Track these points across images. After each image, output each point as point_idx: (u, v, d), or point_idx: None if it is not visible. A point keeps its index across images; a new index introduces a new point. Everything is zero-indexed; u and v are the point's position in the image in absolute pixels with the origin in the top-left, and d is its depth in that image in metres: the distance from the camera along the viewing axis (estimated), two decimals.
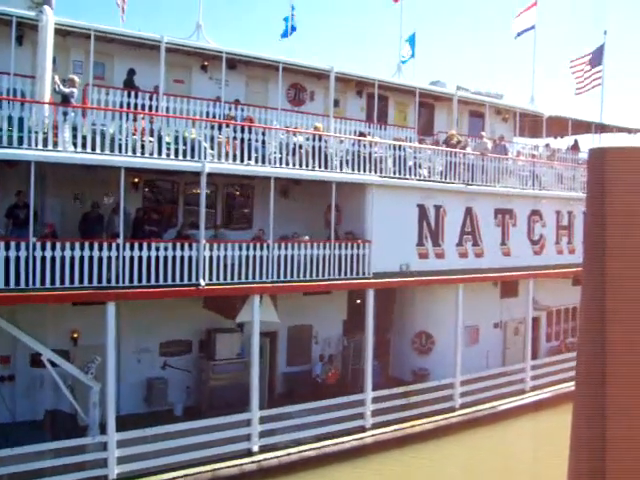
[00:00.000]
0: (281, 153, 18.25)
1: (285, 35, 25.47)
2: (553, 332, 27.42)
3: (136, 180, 18.88)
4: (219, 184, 20.25)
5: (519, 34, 28.43)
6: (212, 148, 17.11)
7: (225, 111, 19.44)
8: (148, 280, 16.02)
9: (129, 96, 17.60)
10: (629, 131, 31.89)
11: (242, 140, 17.38)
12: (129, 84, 18.70)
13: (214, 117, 18.72)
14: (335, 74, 21.60)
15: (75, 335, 18.19)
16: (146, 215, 17.83)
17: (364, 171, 19.65)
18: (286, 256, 17.95)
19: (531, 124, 29.06)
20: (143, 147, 16.05)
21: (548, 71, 77.25)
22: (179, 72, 20.60)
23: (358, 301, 23.87)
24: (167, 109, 18.14)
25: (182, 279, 16.45)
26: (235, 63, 21.14)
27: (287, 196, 21.33)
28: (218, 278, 16.98)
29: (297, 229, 20.25)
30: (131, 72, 18.88)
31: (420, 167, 20.70)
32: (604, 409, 3.99)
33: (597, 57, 31.36)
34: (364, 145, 19.58)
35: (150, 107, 17.85)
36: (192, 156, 16.83)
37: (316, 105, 22.65)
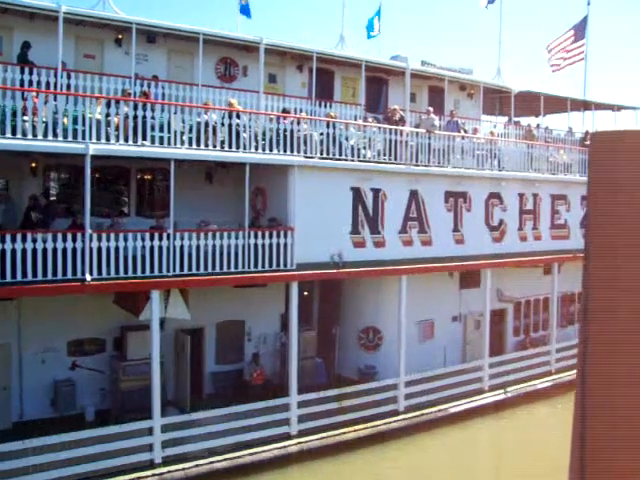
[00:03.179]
0: (186, 133, 16.41)
1: (247, 13, 23.57)
2: (522, 325, 25.38)
3: (33, 165, 17.21)
4: (132, 168, 18.52)
5: (490, 2, 26.28)
6: (106, 127, 15.31)
7: (143, 88, 17.74)
8: (24, 275, 14.29)
9: (22, 72, 15.90)
10: (612, 108, 29.54)
11: (135, 118, 15.53)
12: (22, 59, 16.94)
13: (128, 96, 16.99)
14: (266, 46, 19.70)
15: None
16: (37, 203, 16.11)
17: (288, 151, 17.78)
18: (190, 247, 16.15)
19: (501, 101, 26.95)
20: (14, 127, 14.29)
21: (532, 53, 74.39)
22: (90, 46, 18.83)
23: (305, 293, 22.16)
24: (68, 86, 16.47)
25: (65, 274, 14.71)
26: (154, 36, 19.36)
27: (212, 181, 19.60)
28: (109, 272, 15.24)
29: (223, 216, 18.49)
30: (25, 46, 17.06)
31: (349, 145, 18.70)
32: (584, 409, 3.95)
33: (580, 30, 29.16)
34: (284, 123, 17.66)
35: (47, 84, 16.16)
36: (90, 137, 15.11)
37: (250, 81, 20.69)
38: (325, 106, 21.15)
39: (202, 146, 16.52)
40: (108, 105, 15.29)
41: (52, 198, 17.85)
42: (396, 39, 73.74)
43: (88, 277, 14.86)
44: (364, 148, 19.07)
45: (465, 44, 78.93)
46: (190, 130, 16.58)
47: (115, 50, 19.05)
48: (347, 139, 18.78)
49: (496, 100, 27.03)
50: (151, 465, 15.89)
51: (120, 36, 18.90)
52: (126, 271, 15.39)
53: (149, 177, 19.03)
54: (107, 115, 15.21)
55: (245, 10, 23.25)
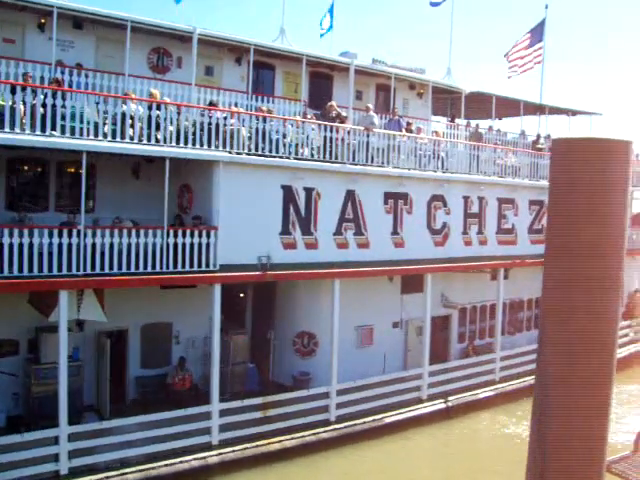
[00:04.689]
0: (101, 124, 15.46)
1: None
2: (467, 332, 24.67)
3: None
4: (51, 160, 17.52)
5: (434, 4, 25.57)
6: (10, 115, 14.32)
7: (63, 76, 16.77)
8: None
9: None
10: (566, 113, 29.00)
11: (44, 106, 14.55)
12: None
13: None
14: (199, 36, 18.85)
15: None
16: None
17: (214, 146, 16.90)
18: (104, 245, 15.18)
19: (453, 102, 26.26)
20: None
21: (491, 56, 74.11)
22: (9, 30, 17.80)
23: (241, 295, 21.38)
24: None
25: None
26: (81, 22, 18.40)
27: (139, 176, 18.66)
28: (12, 270, 14.24)
29: (150, 213, 17.51)
30: None
31: (283, 142, 17.86)
32: (542, 409, 4.13)
33: (537, 34, 28.65)
34: (209, 116, 16.77)
35: None
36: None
37: (184, 73, 19.75)
38: (263, 101, 20.33)
39: (119, 138, 15.58)
40: (13, 91, 14.28)
41: None
42: (351, 38, 73.09)
43: None
44: (297, 145, 18.22)
45: (420, 44, 78.71)
46: (107, 121, 15.66)
47: (38, 35, 18.04)
48: (278, 133, 17.89)
49: (448, 101, 26.37)
50: (56, 477, 14.94)
51: (43, 20, 17.90)
52: (31, 269, 14.39)
53: (70, 170, 17.99)
54: (13, 103, 14.21)
55: None
